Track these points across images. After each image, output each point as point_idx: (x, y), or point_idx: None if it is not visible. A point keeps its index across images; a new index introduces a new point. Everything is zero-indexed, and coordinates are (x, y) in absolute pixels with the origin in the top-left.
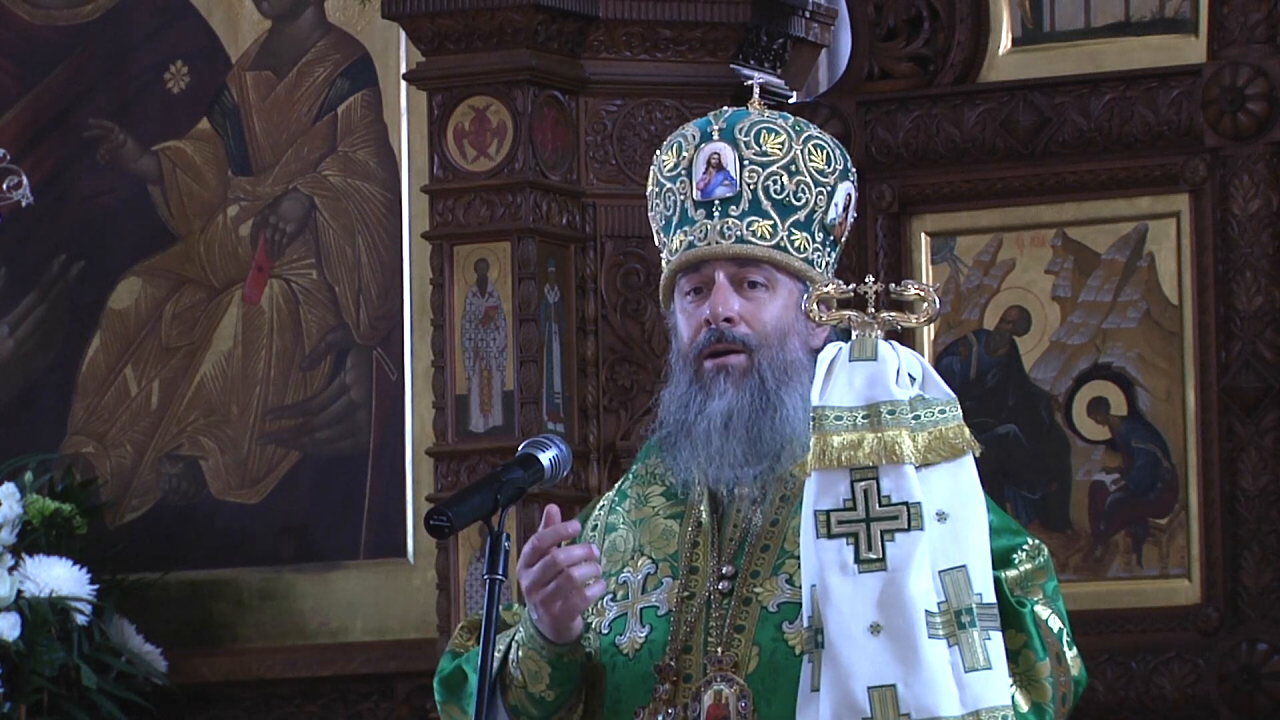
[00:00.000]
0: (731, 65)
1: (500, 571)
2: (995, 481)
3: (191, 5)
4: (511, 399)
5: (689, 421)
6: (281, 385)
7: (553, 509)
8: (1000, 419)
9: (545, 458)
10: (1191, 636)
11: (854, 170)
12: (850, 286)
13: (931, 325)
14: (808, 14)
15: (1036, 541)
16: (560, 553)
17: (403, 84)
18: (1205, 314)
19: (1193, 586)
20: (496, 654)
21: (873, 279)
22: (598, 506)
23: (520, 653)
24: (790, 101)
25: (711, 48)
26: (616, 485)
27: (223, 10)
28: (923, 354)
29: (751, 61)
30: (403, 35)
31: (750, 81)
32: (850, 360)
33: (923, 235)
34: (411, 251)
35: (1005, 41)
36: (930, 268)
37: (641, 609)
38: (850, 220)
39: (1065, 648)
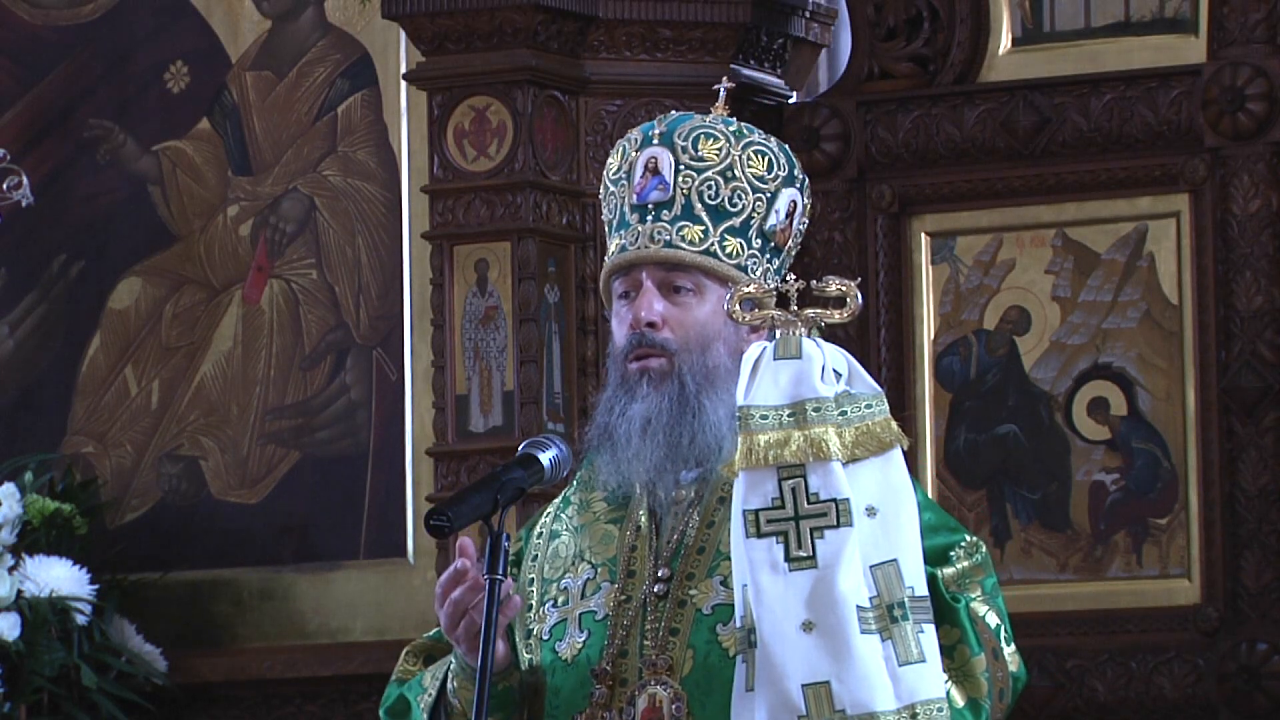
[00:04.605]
0: (731, 65)
1: (500, 571)
2: (995, 481)
3: (191, 5)
4: (511, 399)
5: (610, 425)
6: (281, 385)
7: (465, 542)
8: (1000, 419)
9: (545, 458)
10: (1191, 636)
11: (803, 178)
12: (772, 286)
13: (930, 325)
14: (808, 14)
15: (974, 538)
16: (457, 593)
17: (403, 84)
18: (1205, 314)
19: (1193, 586)
20: (435, 682)
21: (794, 277)
22: (544, 514)
23: (455, 683)
24: (790, 101)
25: (711, 48)
26: (563, 492)
27: (223, 10)
28: (923, 354)
29: (751, 61)
30: (403, 35)
31: (718, 85)
32: (775, 359)
33: (923, 235)
34: (411, 251)
35: (1005, 41)
36: (930, 268)
37: (580, 614)
38: (798, 227)
39: (1003, 644)
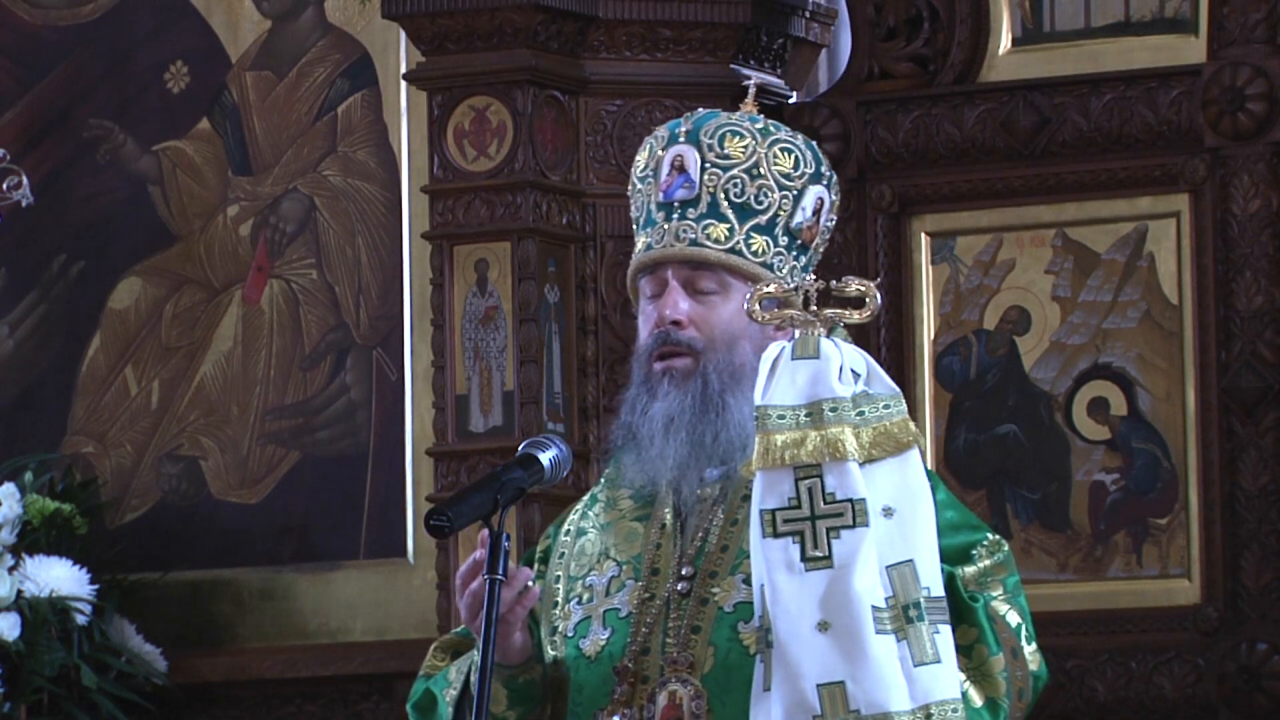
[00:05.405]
0: (731, 65)
1: (500, 571)
2: (995, 481)
3: (191, 5)
4: (511, 399)
5: (634, 423)
6: (281, 385)
7: (486, 534)
8: (1000, 419)
9: (545, 458)
10: (1191, 636)
11: (830, 175)
12: (792, 285)
13: (930, 325)
14: (808, 14)
15: (996, 537)
16: (476, 584)
17: (403, 84)
18: (1205, 314)
19: (1193, 586)
20: (459, 677)
21: (813, 277)
22: (573, 511)
23: (476, 676)
24: (790, 101)
25: (711, 48)
26: (590, 490)
27: (223, 10)
28: (923, 354)
29: (751, 61)
30: (403, 35)
31: (748, 82)
32: (792, 358)
33: (923, 235)
34: (411, 251)
35: (1005, 41)
36: (930, 268)
37: (604, 611)
38: (825, 224)
39: (1023, 642)
